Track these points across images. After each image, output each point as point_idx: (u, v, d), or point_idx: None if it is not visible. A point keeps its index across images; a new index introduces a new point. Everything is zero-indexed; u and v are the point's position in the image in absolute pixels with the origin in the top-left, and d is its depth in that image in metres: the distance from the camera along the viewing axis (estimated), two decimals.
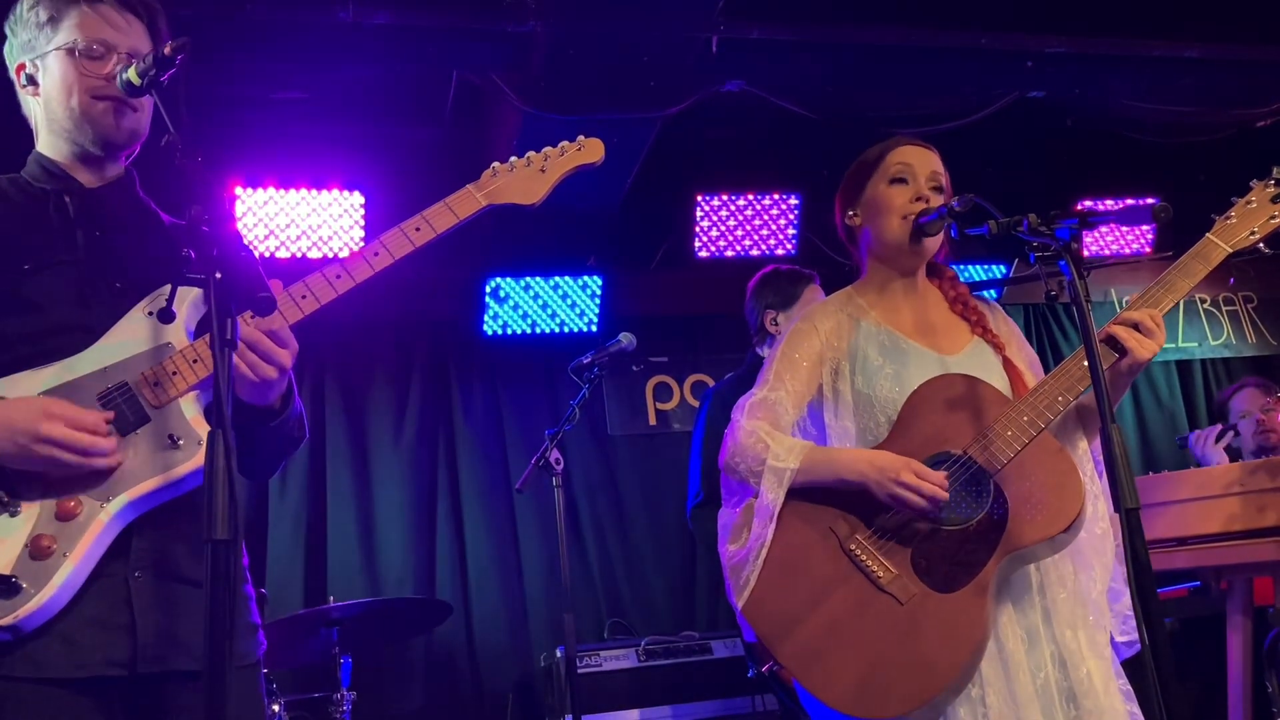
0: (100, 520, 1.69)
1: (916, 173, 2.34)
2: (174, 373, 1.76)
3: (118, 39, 1.88)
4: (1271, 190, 2.27)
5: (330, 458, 5.21)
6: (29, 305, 1.78)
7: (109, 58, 1.86)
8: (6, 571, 1.63)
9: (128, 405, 1.74)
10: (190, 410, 1.77)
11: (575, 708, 3.72)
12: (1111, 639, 2.20)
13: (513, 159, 2.07)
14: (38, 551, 1.65)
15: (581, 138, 2.14)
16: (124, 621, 1.72)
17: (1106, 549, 2.21)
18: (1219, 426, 4.81)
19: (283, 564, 4.99)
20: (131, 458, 1.73)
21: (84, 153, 1.92)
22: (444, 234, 1.96)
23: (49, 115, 1.91)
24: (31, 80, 1.92)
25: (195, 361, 1.77)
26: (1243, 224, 2.26)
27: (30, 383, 1.74)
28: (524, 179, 2.06)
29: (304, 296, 1.84)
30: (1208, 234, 2.27)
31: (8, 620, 1.62)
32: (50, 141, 1.93)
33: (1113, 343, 2.17)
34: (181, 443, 1.74)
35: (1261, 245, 2.26)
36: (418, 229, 1.94)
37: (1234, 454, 4.71)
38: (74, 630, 1.68)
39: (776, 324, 3.61)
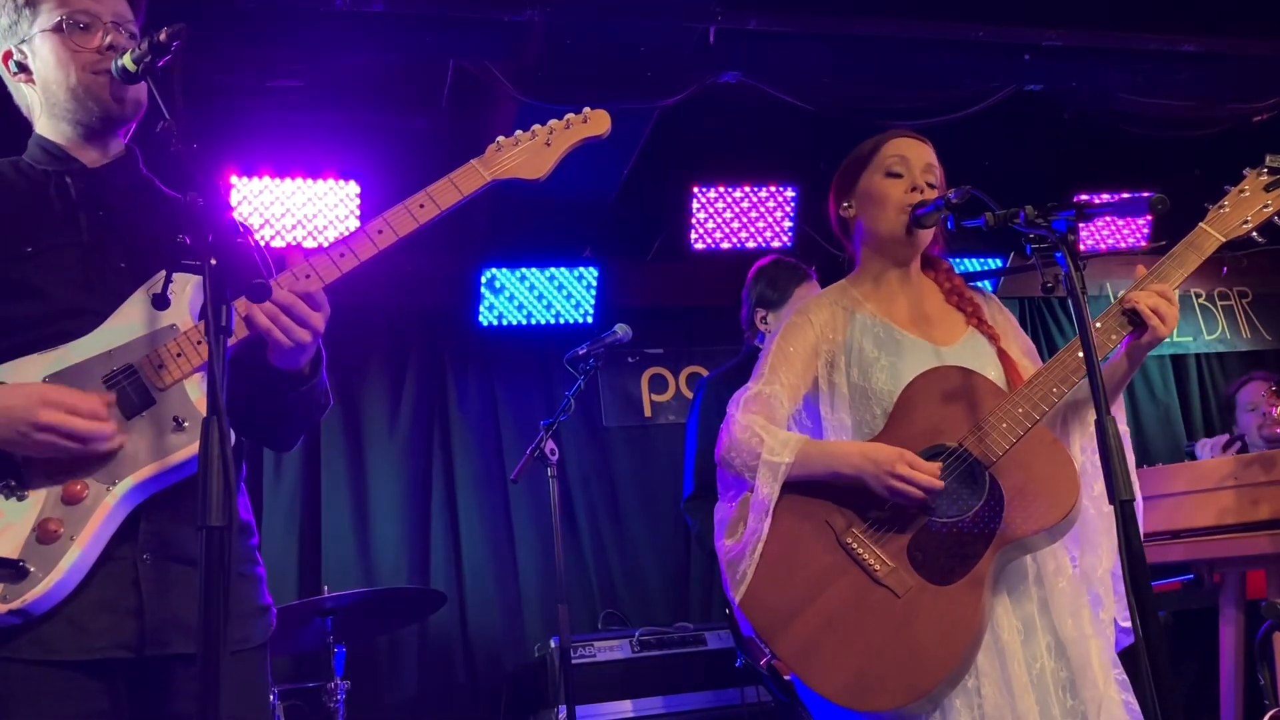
0: (107, 504, 1.69)
1: (911, 165, 2.34)
2: (178, 354, 1.76)
3: (99, 8, 1.86)
4: (1265, 179, 2.26)
5: (325, 448, 5.20)
6: (32, 290, 1.78)
7: (96, 28, 1.85)
8: (14, 556, 1.64)
9: (133, 388, 1.74)
10: (195, 392, 1.76)
11: (569, 698, 3.72)
12: (1116, 624, 2.20)
13: (518, 133, 2.02)
14: (45, 535, 1.65)
15: (587, 110, 2.09)
16: (132, 605, 1.72)
17: (1114, 528, 2.20)
18: (1226, 436, 4.82)
19: (277, 553, 4.98)
20: (137, 441, 1.72)
21: (88, 130, 1.90)
22: (448, 211, 1.93)
23: (48, 99, 1.88)
24: (22, 68, 1.90)
25: (200, 343, 1.77)
26: (1236, 213, 2.25)
27: (34, 367, 1.73)
28: (529, 153, 2.01)
29: (307, 275, 1.83)
30: (1201, 223, 2.26)
31: (16, 604, 1.62)
32: (50, 124, 1.91)
33: (1134, 317, 2.16)
34: (187, 425, 1.74)
35: (1255, 234, 2.25)
36: (422, 206, 1.91)
37: None
38: (82, 613, 1.69)
39: (766, 323, 3.60)
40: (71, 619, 1.68)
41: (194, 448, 1.71)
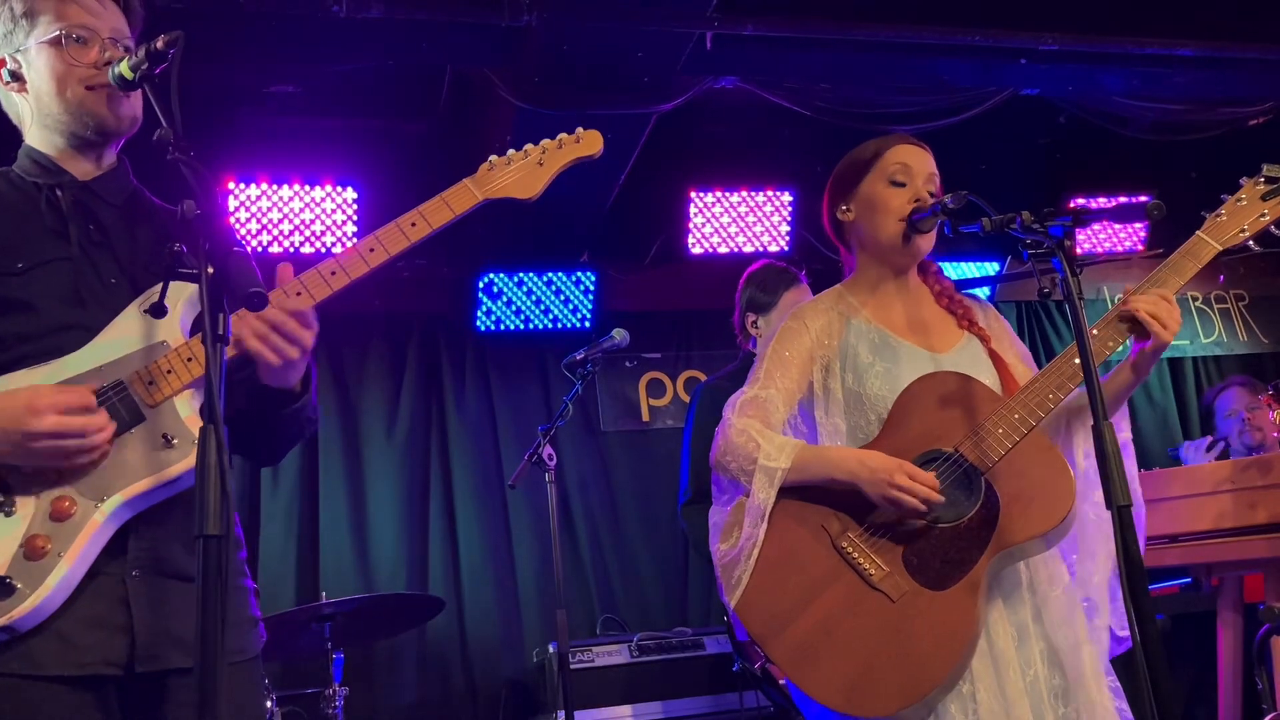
0: (95, 520, 1.68)
1: (914, 174, 2.33)
2: (169, 371, 1.75)
3: (98, 23, 1.86)
4: (1261, 188, 2.27)
5: (323, 453, 5.19)
6: (23, 305, 1.77)
7: (93, 42, 1.85)
8: (1, 572, 1.63)
9: (123, 404, 1.73)
10: (185, 409, 1.76)
11: (568, 703, 3.72)
12: (1111, 631, 2.20)
13: (510, 152, 2.04)
14: (32, 552, 1.64)
15: (580, 130, 2.10)
16: (121, 621, 1.71)
17: (1112, 536, 2.20)
18: (1209, 438, 4.82)
19: (275, 559, 4.98)
20: (126, 457, 1.71)
21: (80, 142, 1.89)
22: (439, 229, 1.94)
23: (41, 110, 1.88)
24: (15, 76, 1.89)
25: (190, 360, 1.76)
26: (1233, 221, 2.25)
27: (24, 383, 1.72)
28: (521, 173, 2.03)
29: (298, 293, 1.83)
30: (1198, 232, 2.27)
31: (3, 621, 1.61)
32: (41, 135, 1.90)
33: (1134, 325, 2.16)
34: (176, 442, 1.73)
35: (1251, 243, 2.26)
36: (413, 224, 1.92)
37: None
38: (71, 630, 1.68)
39: (756, 327, 3.62)
40: (61, 635, 1.67)
41: (183, 464, 1.71)
